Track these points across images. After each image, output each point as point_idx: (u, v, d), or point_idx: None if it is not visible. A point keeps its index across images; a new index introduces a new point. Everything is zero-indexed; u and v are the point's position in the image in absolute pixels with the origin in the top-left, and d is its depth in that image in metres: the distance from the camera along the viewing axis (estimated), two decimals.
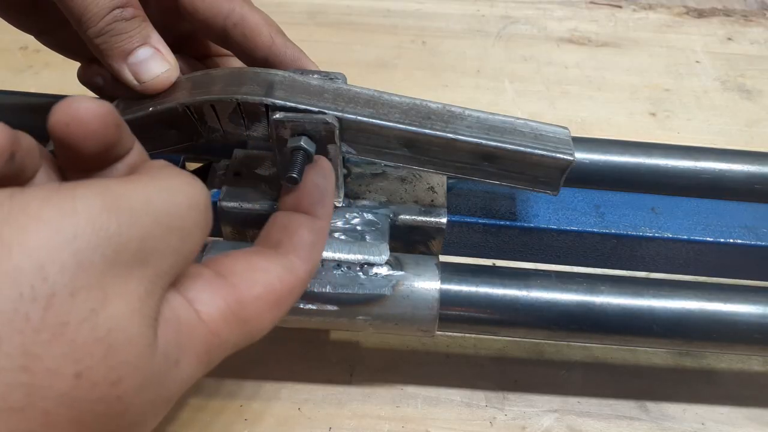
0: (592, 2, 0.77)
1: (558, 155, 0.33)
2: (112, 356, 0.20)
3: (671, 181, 0.42)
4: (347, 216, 0.37)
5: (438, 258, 0.37)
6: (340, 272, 0.35)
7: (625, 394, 0.42)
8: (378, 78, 0.64)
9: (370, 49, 0.68)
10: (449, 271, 0.36)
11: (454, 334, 0.42)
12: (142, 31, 0.33)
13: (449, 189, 0.39)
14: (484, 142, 0.33)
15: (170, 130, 0.35)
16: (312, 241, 0.29)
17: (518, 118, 0.35)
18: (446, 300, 0.36)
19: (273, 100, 0.32)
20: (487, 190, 0.39)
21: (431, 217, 0.37)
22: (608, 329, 0.36)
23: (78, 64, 0.39)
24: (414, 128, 0.33)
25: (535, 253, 0.39)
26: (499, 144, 0.33)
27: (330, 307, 0.35)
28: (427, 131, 0.33)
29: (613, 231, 0.38)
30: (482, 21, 0.73)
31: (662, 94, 0.65)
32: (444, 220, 0.37)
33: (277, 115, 0.32)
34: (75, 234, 0.19)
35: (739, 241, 0.38)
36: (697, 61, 0.69)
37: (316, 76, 0.35)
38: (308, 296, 0.35)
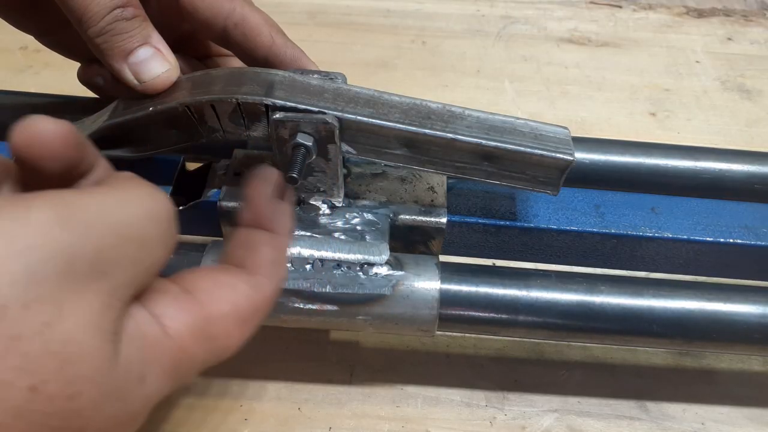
0: (592, 2, 0.77)
1: (558, 155, 0.33)
2: (67, 370, 0.20)
3: (671, 181, 0.42)
4: (347, 216, 0.37)
5: (438, 258, 0.37)
6: (340, 272, 0.35)
7: (625, 394, 0.42)
8: (378, 78, 0.64)
9: (370, 49, 0.68)
10: (449, 271, 0.36)
11: (454, 334, 0.42)
12: (142, 31, 0.33)
13: (449, 189, 0.39)
14: (484, 142, 0.33)
15: (170, 130, 0.35)
16: (273, 258, 0.29)
17: (518, 118, 0.35)
18: (446, 300, 0.36)
19: (273, 100, 0.32)
20: (487, 190, 0.39)
21: (431, 217, 0.37)
22: (608, 329, 0.36)
23: (78, 64, 0.39)
24: (414, 128, 0.33)
25: (535, 253, 0.39)
26: (499, 144, 0.33)
27: (330, 307, 0.35)
28: (427, 131, 0.33)
29: (613, 231, 0.38)
30: (482, 21, 0.73)
31: (662, 94, 0.65)
32: (444, 220, 0.37)
33: (277, 115, 0.32)
34: (27, 245, 0.19)
35: (739, 241, 0.38)
36: (697, 61, 0.69)
37: (316, 76, 0.35)
38: (308, 296, 0.35)
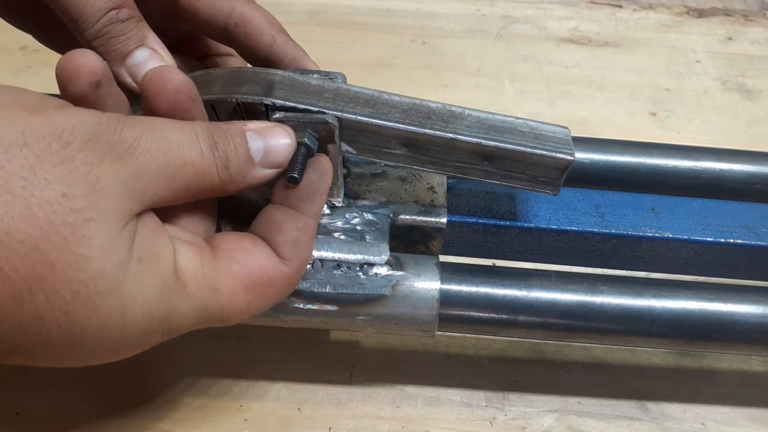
0: (592, 2, 0.77)
1: (558, 155, 0.33)
2: (92, 204, 0.23)
3: (671, 181, 0.42)
4: (347, 216, 0.37)
5: (438, 258, 0.37)
6: (340, 272, 0.35)
7: (625, 395, 0.42)
8: (378, 78, 0.64)
9: (370, 48, 0.68)
10: (449, 271, 0.36)
11: (454, 334, 0.42)
12: (138, 32, 0.32)
13: (449, 189, 0.39)
14: (484, 141, 0.33)
15: None
16: (294, 239, 0.29)
17: (518, 118, 0.35)
18: (446, 300, 0.36)
19: (273, 100, 0.32)
20: (487, 190, 0.39)
21: (431, 217, 0.37)
22: (608, 329, 0.36)
23: None
24: (414, 128, 0.33)
25: (535, 253, 0.39)
26: (499, 144, 0.33)
27: (330, 307, 0.35)
28: (427, 131, 0.33)
29: (613, 231, 0.38)
30: (482, 21, 0.73)
31: (662, 94, 0.65)
32: (444, 220, 0.37)
33: (277, 115, 0.32)
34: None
35: (739, 241, 0.38)
36: (698, 61, 0.69)
37: (315, 75, 0.35)
38: (308, 296, 0.34)
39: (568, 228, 0.38)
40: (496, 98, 0.63)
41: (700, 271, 0.40)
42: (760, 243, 0.38)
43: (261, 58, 0.36)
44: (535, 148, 0.33)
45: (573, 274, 0.37)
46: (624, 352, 0.44)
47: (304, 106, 0.32)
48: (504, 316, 0.36)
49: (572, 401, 0.42)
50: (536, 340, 0.44)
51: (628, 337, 0.37)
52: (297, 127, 0.32)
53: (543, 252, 0.39)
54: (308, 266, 0.35)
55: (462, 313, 0.36)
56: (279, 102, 0.32)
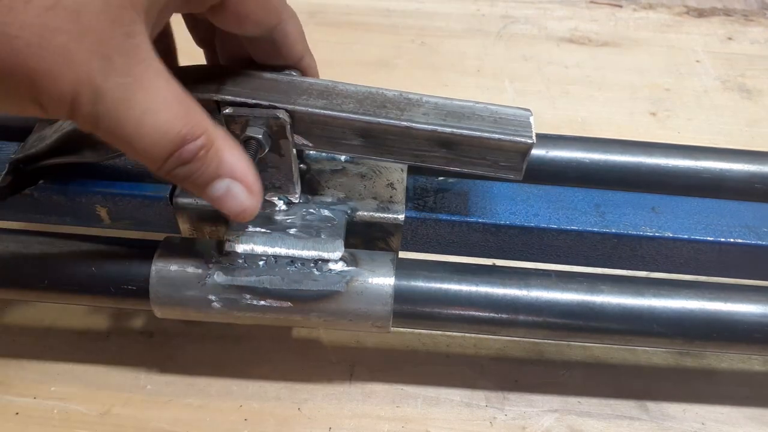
0: (592, 2, 0.77)
1: (517, 138, 0.32)
2: None
3: (672, 181, 0.42)
4: (303, 212, 0.37)
5: (396, 254, 0.37)
6: (293, 268, 0.35)
7: (625, 394, 0.42)
8: (378, 77, 0.64)
9: (370, 48, 0.68)
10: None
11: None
12: (209, 165, 0.29)
13: (447, 189, 0.39)
14: (440, 128, 0.32)
15: None
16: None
17: (478, 102, 0.34)
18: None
19: (222, 96, 0.32)
20: (486, 190, 0.39)
21: (389, 213, 0.37)
22: (608, 329, 0.36)
23: None
24: (368, 117, 0.32)
25: (535, 252, 0.39)
26: (456, 130, 0.32)
27: (283, 304, 0.35)
28: (381, 120, 0.32)
29: (613, 230, 0.38)
30: (482, 20, 0.73)
31: (663, 94, 0.65)
32: (402, 216, 0.37)
33: (228, 110, 0.32)
34: None
35: (739, 240, 0.38)
36: (698, 61, 0.69)
37: (269, 70, 0.34)
38: (261, 292, 0.34)
39: (569, 227, 0.38)
40: (496, 98, 0.63)
41: (700, 271, 0.40)
42: (760, 242, 0.38)
43: (277, 68, 0.35)
44: (494, 132, 0.32)
45: (573, 274, 0.37)
46: (624, 352, 0.44)
47: (254, 101, 0.32)
48: (504, 316, 0.36)
49: (572, 401, 0.41)
50: (536, 340, 0.44)
51: (628, 336, 0.37)
52: (248, 122, 0.32)
53: (543, 252, 0.39)
54: (261, 263, 0.35)
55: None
56: (228, 98, 0.32)
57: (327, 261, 0.35)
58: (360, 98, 0.33)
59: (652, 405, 0.42)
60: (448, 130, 0.32)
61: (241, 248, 0.35)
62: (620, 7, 0.76)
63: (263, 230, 0.36)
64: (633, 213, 0.39)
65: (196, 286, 0.35)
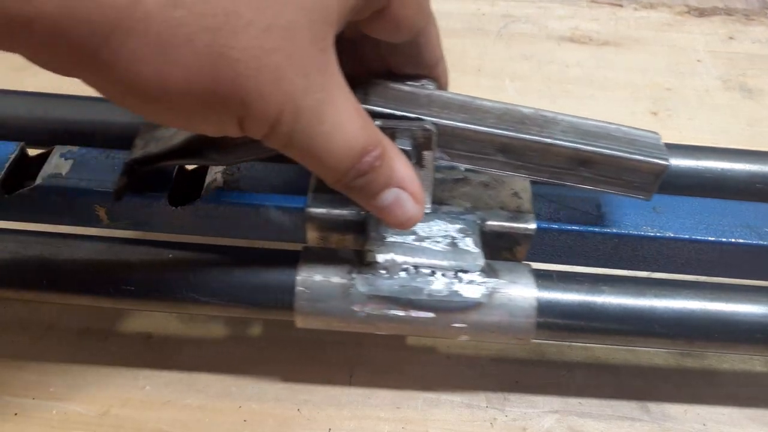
0: (593, 1, 0.76)
1: (653, 160, 0.33)
2: None
3: (673, 180, 0.42)
4: (435, 222, 0.36)
5: (530, 265, 0.37)
6: (435, 279, 0.34)
7: (626, 395, 0.42)
8: None
9: None
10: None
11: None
12: (382, 175, 0.29)
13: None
14: (582, 147, 0.33)
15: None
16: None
17: (611, 123, 0.34)
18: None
19: (372, 107, 0.32)
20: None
21: (519, 223, 0.36)
22: (610, 329, 0.36)
23: None
24: (511, 133, 0.33)
25: (536, 252, 0.39)
26: (597, 149, 0.33)
27: (427, 314, 0.34)
28: (524, 136, 0.33)
29: (614, 230, 0.38)
30: (483, 19, 0.73)
31: (664, 93, 0.65)
32: (533, 226, 0.36)
33: (377, 122, 0.31)
34: None
35: (741, 240, 0.38)
36: (699, 60, 0.69)
37: (407, 82, 0.34)
38: (405, 303, 0.34)
39: (569, 228, 0.38)
40: (496, 97, 0.62)
41: (701, 271, 0.40)
42: (762, 242, 0.38)
43: (409, 75, 0.34)
44: (632, 153, 0.33)
45: (574, 274, 0.37)
46: (625, 353, 0.44)
47: (401, 113, 0.32)
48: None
49: (573, 402, 0.41)
50: (537, 341, 0.44)
51: (629, 337, 0.37)
52: (395, 134, 0.32)
53: (543, 252, 0.39)
54: (402, 273, 0.35)
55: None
56: (377, 109, 0.31)
57: (467, 272, 0.35)
58: (498, 114, 0.33)
59: (653, 406, 0.41)
60: (590, 148, 0.33)
61: (382, 258, 0.35)
62: (621, 6, 0.76)
63: (402, 240, 0.35)
64: (634, 213, 0.39)
65: (341, 296, 0.35)
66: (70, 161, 0.38)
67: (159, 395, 0.40)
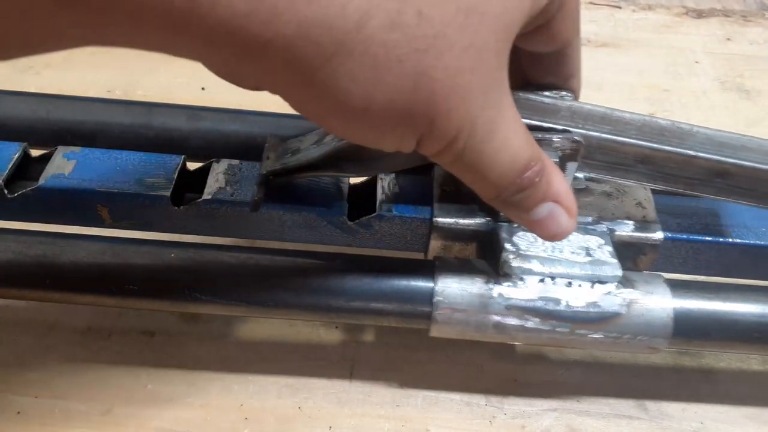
0: (591, 2, 0.77)
1: None
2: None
3: None
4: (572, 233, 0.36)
5: (662, 275, 0.37)
6: (572, 290, 0.35)
7: (624, 394, 0.42)
8: None
9: None
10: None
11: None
12: (540, 190, 0.29)
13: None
14: (723, 159, 0.33)
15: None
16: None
17: (743, 135, 0.35)
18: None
19: (523, 120, 0.31)
20: None
21: (647, 233, 0.37)
22: (743, 338, 0.36)
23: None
24: (654, 145, 0.33)
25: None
26: (736, 161, 0.33)
27: (564, 326, 0.35)
28: (667, 148, 0.33)
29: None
30: None
31: (661, 95, 0.65)
32: (660, 236, 0.36)
33: None
34: None
35: (738, 240, 0.38)
36: (696, 62, 0.69)
37: (546, 93, 0.34)
38: (544, 314, 0.34)
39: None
40: None
41: (699, 271, 0.40)
42: (759, 242, 0.38)
43: (544, 85, 0.34)
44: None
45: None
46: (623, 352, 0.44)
47: (548, 125, 0.32)
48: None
49: (571, 400, 0.42)
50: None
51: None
52: (541, 146, 0.31)
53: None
54: (539, 283, 0.35)
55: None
56: (526, 121, 0.31)
57: (604, 282, 0.35)
58: (638, 125, 0.33)
59: (650, 404, 0.42)
60: (730, 160, 0.33)
61: (520, 268, 0.35)
62: (619, 8, 0.76)
63: (538, 251, 0.35)
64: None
65: (479, 306, 0.35)
66: (73, 162, 0.38)
67: (161, 394, 0.41)
